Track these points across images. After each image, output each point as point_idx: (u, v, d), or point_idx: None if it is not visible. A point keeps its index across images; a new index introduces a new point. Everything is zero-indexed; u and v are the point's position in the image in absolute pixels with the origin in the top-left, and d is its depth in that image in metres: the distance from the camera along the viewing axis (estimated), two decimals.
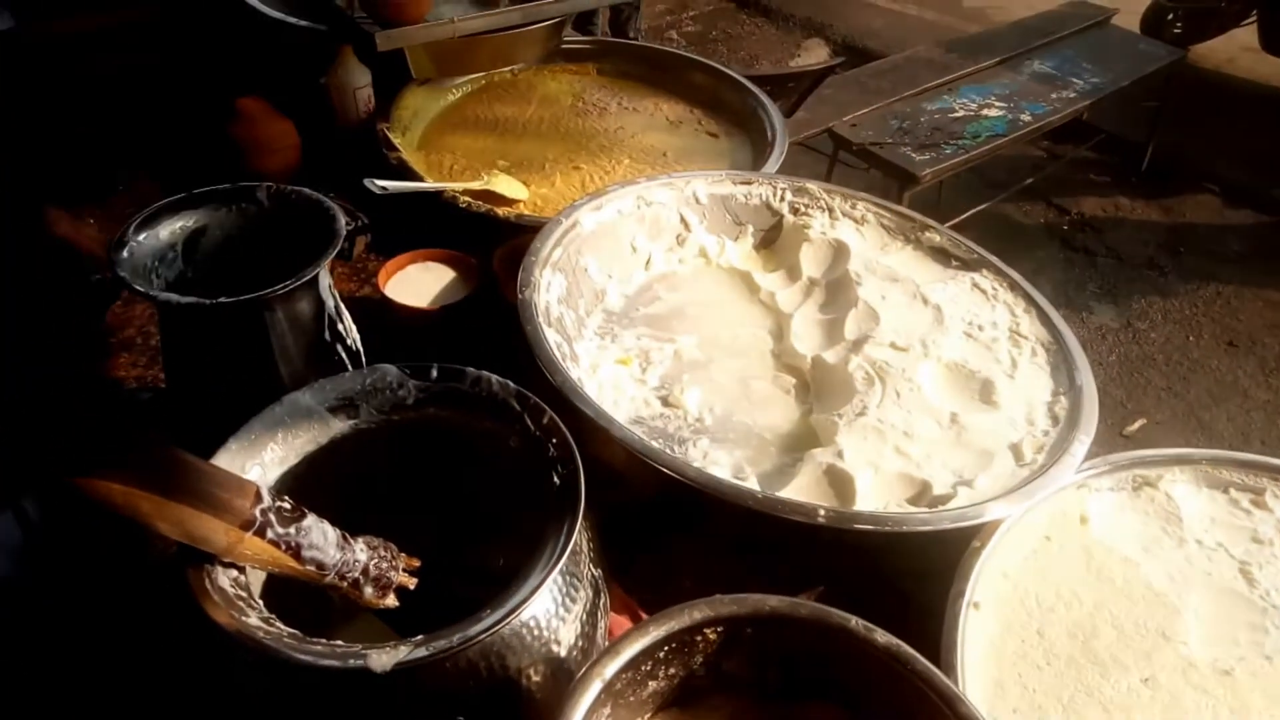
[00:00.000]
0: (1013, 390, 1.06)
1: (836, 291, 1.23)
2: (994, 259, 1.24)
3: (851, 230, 1.31)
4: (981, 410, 1.04)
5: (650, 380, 1.10)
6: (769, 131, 1.52)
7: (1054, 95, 3.28)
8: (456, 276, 1.21)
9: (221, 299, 0.82)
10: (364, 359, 1.00)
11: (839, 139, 3.02)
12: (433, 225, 1.34)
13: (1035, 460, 0.96)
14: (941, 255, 1.28)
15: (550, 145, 1.55)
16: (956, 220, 3.50)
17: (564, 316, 1.11)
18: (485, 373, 0.77)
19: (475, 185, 1.38)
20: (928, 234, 1.29)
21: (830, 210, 1.32)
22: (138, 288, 0.82)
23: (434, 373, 0.78)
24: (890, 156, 2.95)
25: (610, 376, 1.09)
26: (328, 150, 1.50)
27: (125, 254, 0.86)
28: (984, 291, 1.20)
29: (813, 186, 1.33)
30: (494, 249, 1.24)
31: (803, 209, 1.33)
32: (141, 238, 0.89)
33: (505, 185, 1.41)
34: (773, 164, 1.43)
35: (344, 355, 0.96)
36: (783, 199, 1.33)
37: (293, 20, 1.45)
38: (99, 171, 1.45)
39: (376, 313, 1.17)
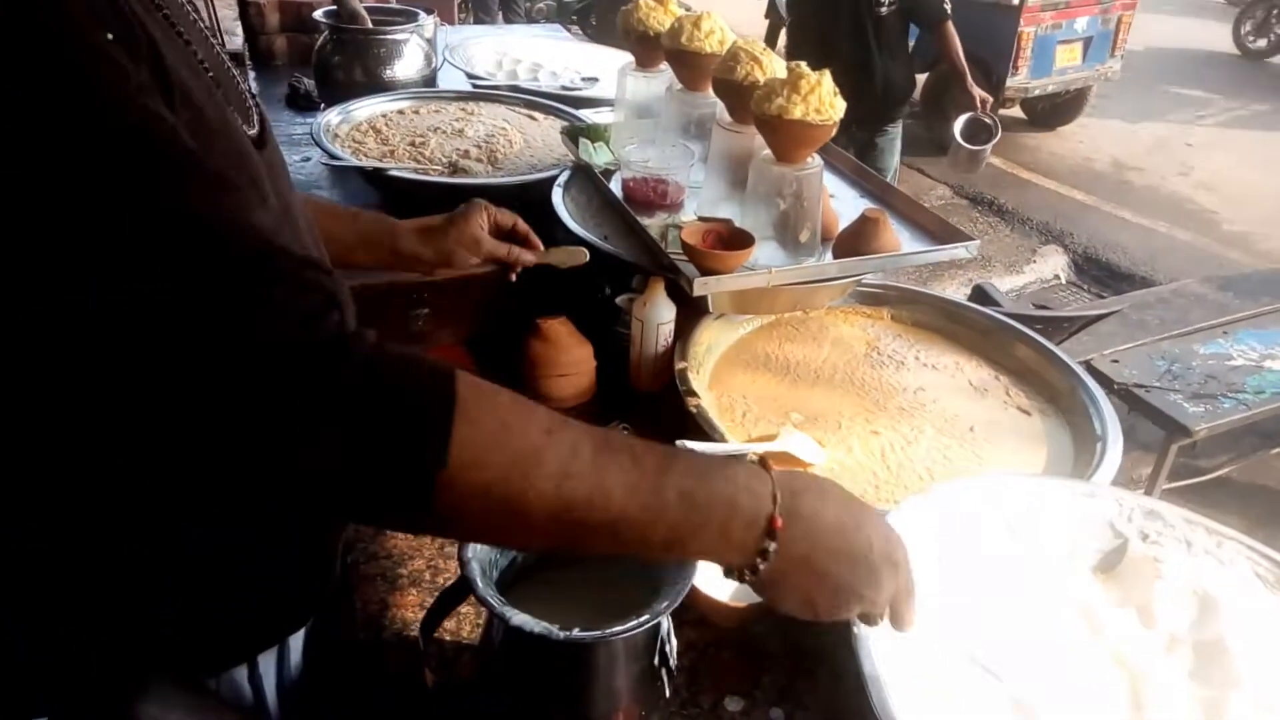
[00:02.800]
0: None
1: (1209, 659, 1.03)
2: None
3: (1216, 573, 1.11)
4: None
5: None
6: (1096, 423, 1.36)
7: None
8: None
9: (576, 632, 0.74)
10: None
11: (1099, 375, 2.79)
12: None
13: None
14: None
15: (845, 399, 1.45)
16: (1214, 475, 3.16)
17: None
18: None
19: (774, 447, 1.30)
20: None
21: (1189, 544, 1.14)
22: (488, 599, 0.76)
23: None
24: (1159, 404, 2.70)
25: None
26: (622, 378, 1.48)
27: (470, 553, 0.81)
28: None
29: (1168, 513, 1.16)
30: None
31: (1153, 536, 1.15)
32: None
33: (801, 446, 1.32)
34: (1108, 470, 1.26)
35: (665, 680, 0.86)
36: (1130, 519, 1.16)
37: (610, 249, 1.46)
38: None
39: None
